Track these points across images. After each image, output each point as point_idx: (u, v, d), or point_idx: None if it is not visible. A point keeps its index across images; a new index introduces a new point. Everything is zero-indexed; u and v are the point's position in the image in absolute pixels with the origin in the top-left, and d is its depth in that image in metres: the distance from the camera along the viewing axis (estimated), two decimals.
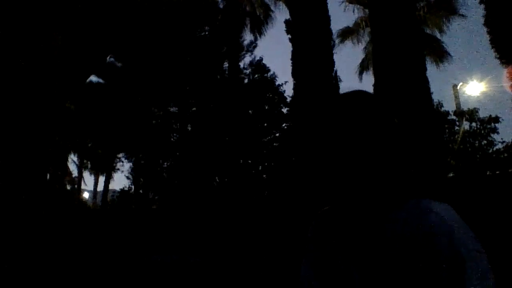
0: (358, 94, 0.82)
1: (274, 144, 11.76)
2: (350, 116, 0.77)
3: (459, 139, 9.67)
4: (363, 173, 0.75)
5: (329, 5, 8.43)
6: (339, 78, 8.56)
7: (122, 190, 15.07)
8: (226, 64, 14.09)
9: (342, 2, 14.91)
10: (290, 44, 8.78)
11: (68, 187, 22.07)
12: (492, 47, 8.63)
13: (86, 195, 27.93)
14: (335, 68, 8.26)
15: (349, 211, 0.83)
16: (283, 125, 11.99)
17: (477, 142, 9.51)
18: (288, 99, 11.91)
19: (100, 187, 23.09)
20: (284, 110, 12.26)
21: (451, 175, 8.63)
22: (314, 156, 0.80)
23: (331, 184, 0.79)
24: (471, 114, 9.88)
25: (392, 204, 0.77)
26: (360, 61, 16.38)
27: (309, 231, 0.97)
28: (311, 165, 0.80)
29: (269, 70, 13.17)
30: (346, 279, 0.80)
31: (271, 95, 12.47)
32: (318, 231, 0.94)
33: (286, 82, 13.01)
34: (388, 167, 0.77)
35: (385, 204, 0.77)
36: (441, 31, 14.66)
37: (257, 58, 14.03)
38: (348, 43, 15.88)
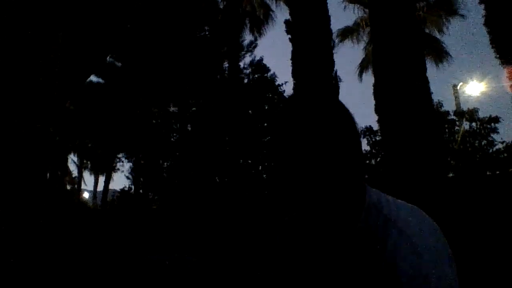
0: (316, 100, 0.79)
1: None
2: (307, 121, 0.73)
3: (459, 139, 9.66)
4: (321, 179, 0.70)
5: (329, 5, 8.44)
6: (339, 78, 8.56)
7: (122, 190, 15.05)
8: (226, 64, 14.09)
9: (342, 1, 14.93)
10: (290, 44, 8.79)
11: (68, 187, 22.12)
12: (492, 47, 8.63)
13: (86, 195, 27.94)
14: (335, 68, 8.27)
15: (308, 219, 0.81)
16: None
17: (477, 142, 9.50)
18: None
19: (100, 187, 23.13)
20: None
21: (451, 175, 8.63)
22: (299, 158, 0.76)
23: (292, 190, 0.74)
24: (471, 114, 9.88)
25: (352, 212, 0.74)
26: (360, 61, 16.41)
27: (273, 239, 0.96)
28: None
29: (269, 70, 13.15)
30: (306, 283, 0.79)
31: (271, 95, 12.46)
32: (282, 239, 0.92)
33: (286, 82, 13.03)
34: (346, 172, 0.71)
35: (344, 212, 0.74)
36: (440, 31, 14.68)
37: (257, 58, 14.03)
38: (348, 43, 15.90)
